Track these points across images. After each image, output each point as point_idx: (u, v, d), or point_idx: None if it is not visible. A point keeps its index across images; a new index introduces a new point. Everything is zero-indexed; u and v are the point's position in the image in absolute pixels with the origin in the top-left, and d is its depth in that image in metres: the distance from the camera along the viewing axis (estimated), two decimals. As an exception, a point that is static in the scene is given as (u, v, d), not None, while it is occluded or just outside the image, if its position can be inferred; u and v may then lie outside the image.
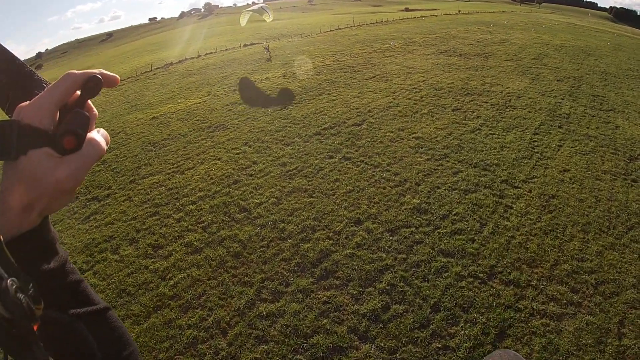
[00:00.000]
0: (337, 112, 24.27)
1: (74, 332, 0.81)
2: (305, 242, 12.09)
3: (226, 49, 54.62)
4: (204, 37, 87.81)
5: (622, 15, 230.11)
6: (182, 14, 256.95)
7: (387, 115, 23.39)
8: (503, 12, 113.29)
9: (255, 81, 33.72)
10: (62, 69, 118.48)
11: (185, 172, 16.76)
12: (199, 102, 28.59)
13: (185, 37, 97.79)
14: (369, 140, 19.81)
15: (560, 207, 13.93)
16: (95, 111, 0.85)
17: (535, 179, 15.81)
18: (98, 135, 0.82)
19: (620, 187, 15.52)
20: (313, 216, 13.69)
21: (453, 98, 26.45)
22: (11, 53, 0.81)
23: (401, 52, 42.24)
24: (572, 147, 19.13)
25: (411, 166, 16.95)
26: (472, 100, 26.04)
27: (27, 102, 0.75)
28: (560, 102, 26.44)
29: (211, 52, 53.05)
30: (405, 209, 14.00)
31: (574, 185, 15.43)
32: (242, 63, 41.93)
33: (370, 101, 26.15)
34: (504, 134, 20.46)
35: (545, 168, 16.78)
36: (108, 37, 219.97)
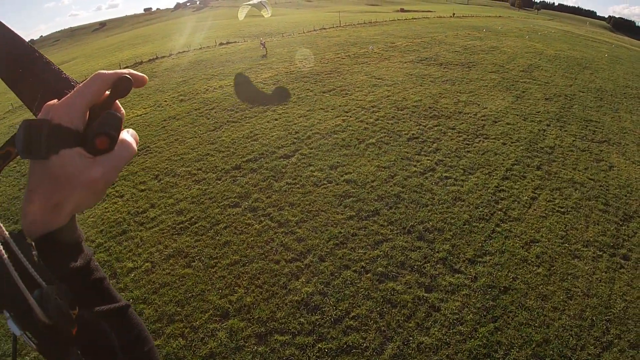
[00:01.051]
0: (272, 137, 19.91)
1: (98, 329, 0.82)
2: (155, 336, 8.97)
3: (200, 48, 49.79)
4: (189, 32, 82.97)
5: (620, 25, 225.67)
6: (178, 5, 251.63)
7: (326, 144, 18.91)
8: (499, 16, 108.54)
9: (208, 89, 29.23)
10: (52, 58, 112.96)
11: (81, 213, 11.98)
12: (140, 115, 25.06)
13: (171, 30, 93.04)
14: (289, 181, 15.42)
15: (510, 313, 9.33)
16: (123, 111, 0.80)
17: (487, 258, 11.14)
18: (128, 135, 0.79)
19: (604, 272, 10.93)
20: (177, 298, 10.16)
21: (414, 121, 21.85)
22: (38, 52, 0.80)
23: (377, 58, 37.50)
24: (549, 201, 14.51)
25: (325, 228, 12.35)
26: (436, 125, 21.47)
27: (56, 101, 0.73)
28: (544, 130, 21.93)
29: (184, 51, 48.67)
30: (289, 302, 9.78)
31: (539, 270, 10.80)
32: (206, 66, 37.87)
33: (316, 123, 21.64)
34: (464, 177, 15.86)
35: (505, 238, 12.10)
36: (101, 26, 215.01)
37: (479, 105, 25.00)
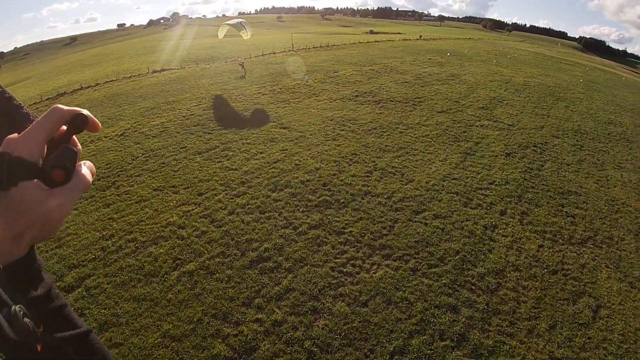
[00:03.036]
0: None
1: (62, 355, 0.80)
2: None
3: (130, 76, 41.12)
4: (148, 51, 74.14)
5: (591, 46, 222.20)
6: (151, 22, 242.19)
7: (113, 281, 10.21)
8: (469, 38, 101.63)
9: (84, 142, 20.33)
10: (16, 74, 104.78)
11: None
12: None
13: (134, 49, 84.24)
14: None
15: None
16: (80, 146, 0.82)
17: None
18: (85, 168, 0.80)
19: None
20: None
21: (285, 218, 13.90)
22: (1, 88, 0.84)
23: (304, 94, 29.20)
24: None
25: None
26: (315, 227, 13.40)
27: (16, 134, 0.74)
28: (494, 226, 14.00)
29: (112, 80, 40.03)
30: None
31: None
32: (119, 103, 29.56)
33: (145, 218, 13.09)
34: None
35: None
36: (72, 41, 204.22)
37: (403, 176, 16.76)
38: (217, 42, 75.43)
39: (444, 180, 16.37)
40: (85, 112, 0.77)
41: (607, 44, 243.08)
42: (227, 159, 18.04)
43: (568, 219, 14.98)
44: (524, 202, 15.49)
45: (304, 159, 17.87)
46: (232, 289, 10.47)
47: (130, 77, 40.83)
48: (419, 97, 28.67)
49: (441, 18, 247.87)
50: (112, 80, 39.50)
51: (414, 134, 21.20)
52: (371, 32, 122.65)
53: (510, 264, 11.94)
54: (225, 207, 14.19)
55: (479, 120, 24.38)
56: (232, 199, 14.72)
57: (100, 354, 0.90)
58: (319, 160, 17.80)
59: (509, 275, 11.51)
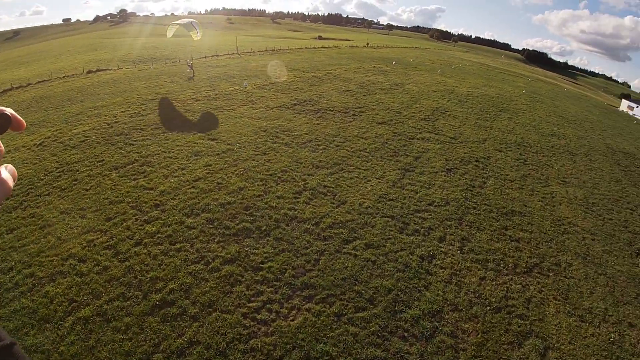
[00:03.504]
0: None
1: None
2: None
3: (63, 76, 37.36)
4: (90, 49, 69.31)
5: (534, 58, 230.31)
6: (97, 18, 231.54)
7: None
8: (416, 47, 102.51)
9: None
10: None
11: None
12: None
13: (75, 46, 78.94)
14: None
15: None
16: (2, 147, 0.79)
17: None
18: (5, 172, 0.74)
19: None
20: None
21: (197, 251, 11.53)
22: None
23: (241, 100, 27.31)
24: None
25: None
26: (229, 261, 11.46)
27: None
28: (431, 255, 12.43)
29: (45, 80, 36.43)
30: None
31: None
32: (46, 107, 27.19)
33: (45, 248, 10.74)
34: None
35: None
36: (15, 34, 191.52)
37: (334, 197, 15.08)
38: (161, 42, 71.96)
39: (379, 202, 14.76)
40: (8, 111, 0.71)
41: (549, 56, 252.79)
42: (145, 176, 15.82)
43: (512, 243, 13.69)
44: (465, 226, 14.09)
45: (227, 177, 15.87)
46: (130, 341, 8.59)
47: (63, 77, 37.42)
48: (360, 107, 27.20)
49: (390, 27, 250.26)
50: (45, 81, 35.99)
51: (351, 148, 19.58)
52: (320, 37, 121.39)
53: (449, 303, 10.40)
54: (132, 235, 12.06)
55: (420, 133, 23.12)
56: (141, 225, 12.58)
57: None
58: (244, 178, 15.84)
59: (447, 316, 9.96)
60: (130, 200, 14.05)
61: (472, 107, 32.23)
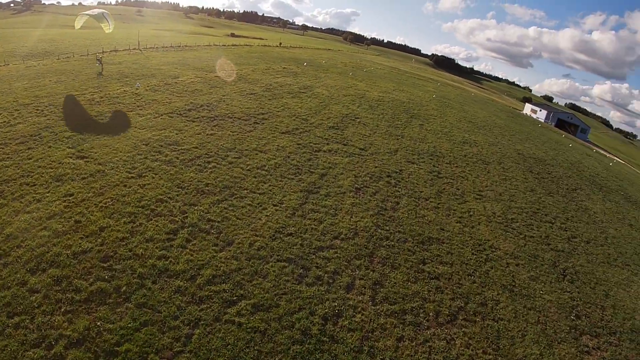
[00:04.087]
0: None
1: None
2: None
3: None
4: None
5: (442, 63, 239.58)
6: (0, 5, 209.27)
7: None
8: (329, 49, 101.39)
9: None
10: None
11: None
12: None
13: None
14: None
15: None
16: None
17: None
18: None
19: None
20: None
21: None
22: None
23: (127, 106, 23.37)
24: None
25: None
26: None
27: None
28: (334, 326, 9.71)
29: None
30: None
31: None
32: None
33: None
34: None
35: None
36: None
37: (219, 235, 12.18)
38: (59, 34, 64.53)
39: (274, 239, 11.99)
40: None
41: (456, 62, 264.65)
42: None
43: (432, 282, 11.55)
44: (377, 264, 11.72)
45: (89, 211, 12.33)
46: None
47: None
48: (263, 113, 24.33)
49: (305, 27, 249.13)
50: None
51: (247, 165, 16.66)
52: (232, 34, 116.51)
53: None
54: None
55: (328, 144, 20.71)
56: None
57: None
58: (108, 212, 12.38)
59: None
60: None
61: (383, 113, 30.53)
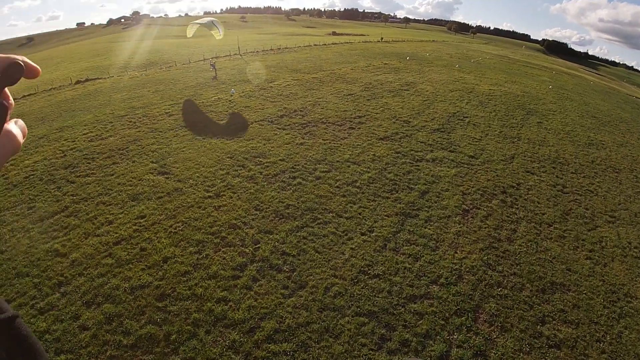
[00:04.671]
0: None
1: None
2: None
3: (50, 89, 33.00)
4: (94, 54, 65.17)
5: (554, 48, 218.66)
6: (111, 21, 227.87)
7: None
8: (433, 41, 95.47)
9: None
10: None
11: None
12: None
13: (80, 53, 74.82)
14: None
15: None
16: (12, 100, 0.69)
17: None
18: (15, 127, 0.67)
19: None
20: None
21: None
22: None
23: (219, 114, 22.43)
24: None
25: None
26: None
27: None
28: None
29: (31, 94, 31.96)
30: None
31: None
32: None
33: None
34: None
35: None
36: (28, 41, 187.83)
37: (291, 275, 10.06)
38: (165, 44, 67.52)
39: (356, 282, 9.60)
40: (20, 59, 0.62)
41: (569, 46, 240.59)
42: (65, 234, 11.34)
43: (550, 353, 8.60)
44: (482, 324, 8.85)
45: (157, 237, 11.08)
46: None
47: (50, 89, 33.00)
48: (360, 116, 21.89)
49: (407, 20, 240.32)
50: (31, 95, 31.60)
51: (336, 181, 14.37)
52: (334, 33, 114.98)
53: None
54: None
55: (432, 151, 17.74)
56: (33, 318, 8.50)
57: (26, 342, 0.77)
58: (176, 239, 10.93)
59: None
60: (36, 272, 9.54)
61: (495, 109, 26.51)
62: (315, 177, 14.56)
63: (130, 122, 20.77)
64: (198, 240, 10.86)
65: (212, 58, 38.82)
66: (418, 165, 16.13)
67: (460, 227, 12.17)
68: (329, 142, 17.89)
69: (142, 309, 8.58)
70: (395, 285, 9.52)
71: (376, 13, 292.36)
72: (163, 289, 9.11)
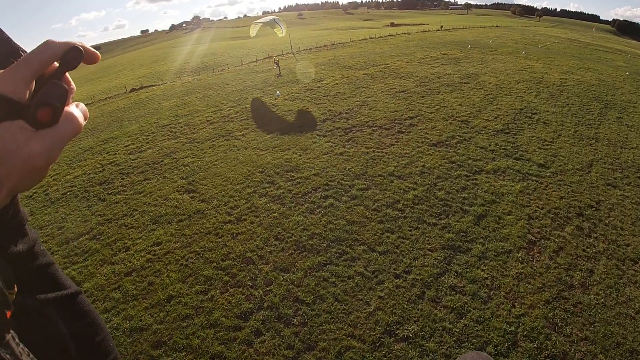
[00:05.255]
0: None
1: (44, 319, 0.69)
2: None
3: (105, 98, 33.00)
4: (153, 61, 66.22)
5: (625, 28, 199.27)
6: (173, 27, 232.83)
7: None
8: (497, 26, 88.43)
9: None
10: None
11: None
12: None
13: (140, 59, 76.60)
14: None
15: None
16: (74, 85, 0.66)
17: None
18: (76, 109, 0.65)
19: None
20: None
21: None
22: None
23: (261, 119, 20.16)
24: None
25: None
26: None
27: (1, 70, 0.61)
28: None
29: (88, 103, 32.04)
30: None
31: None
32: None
33: None
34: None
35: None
36: (95, 50, 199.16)
37: (299, 334, 7.53)
38: (220, 46, 66.91)
39: (378, 347, 7.18)
40: (80, 44, 0.60)
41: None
42: (83, 260, 10.49)
43: None
44: None
45: (167, 270, 9.46)
46: None
47: (105, 99, 32.77)
48: (412, 117, 19.01)
49: (468, 6, 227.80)
50: (87, 104, 31.33)
51: (375, 202, 11.78)
52: (392, 24, 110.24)
53: None
54: None
55: (493, 159, 14.60)
56: None
57: (89, 317, 0.78)
58: (185, 274, 9.27)
59: None
60: None
61: (568, 103, 22.54)
62: (351, 196, 12.04)
63: (171, 132, 19.28)
64: (207, 277, 8.85)
65: (276, 56, 37.65)
66: (476, 179, 13.14)
67: (522, 268, 9.18)
68: (373, 151, 15.26)
69: (137, 355, 6.83)
70: (428, 355, 6.88)
71: (436, 1, 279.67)
72: (160, 335, 7.27)
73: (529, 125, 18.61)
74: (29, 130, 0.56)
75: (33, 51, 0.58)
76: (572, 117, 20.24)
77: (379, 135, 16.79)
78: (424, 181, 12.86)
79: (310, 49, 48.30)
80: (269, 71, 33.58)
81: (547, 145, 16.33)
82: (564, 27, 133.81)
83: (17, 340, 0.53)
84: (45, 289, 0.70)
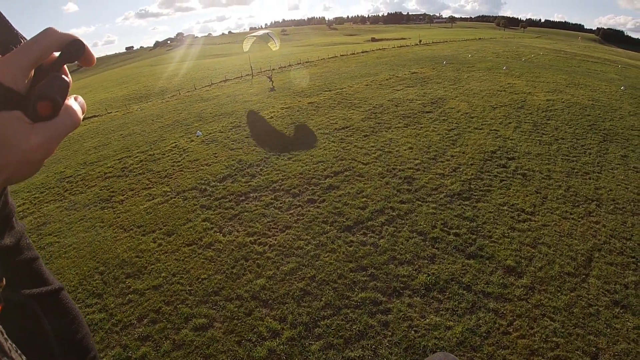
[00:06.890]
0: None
1: (28, 314, 0.67)
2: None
3: (92, 116, 26.99)
4: (124, 81, 60.69)
5: (610, 37, 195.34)
6: (157, 44, 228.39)
7: None
8: (479, 39, 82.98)
9: None
10: None
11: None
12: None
13: (113, 79, 71.19)
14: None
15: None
16: (70, 78, 0.63)
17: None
18: (75, 103, 0.63)
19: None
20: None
21: None
22: None
23: (175, 167, 13.99)
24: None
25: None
26: None
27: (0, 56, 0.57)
28: None
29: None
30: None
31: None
32: None
33: None
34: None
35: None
36: (78, 67, 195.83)
37: None
38: (196, 65, 61.66)
39: None
40: (81, 39, 0.58)
41: (625, 34, 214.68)
42: None
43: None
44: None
45: None
46: None
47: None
48: (336, 173, 13.05)
49: (452, 19, 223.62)
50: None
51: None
52: (372, 39, 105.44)
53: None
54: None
55: (432, 261, 8.56)
56: None
57: (71, 314, 0.76)
58: None
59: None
60: None
61: (557, 138, 16.71)
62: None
63: (64, 189, 13.65)
64: None
65: (268, 71, 37.54)
66: (388, 311, 7.07)
67: None
68: (252, 243, 9.19)
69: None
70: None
71: (421, 14, 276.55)
72: None
73: (502, 180, 12.65)
74: (26, 122, 0.53)
75: (34, 38, 0.55)
76: (563, 162, 14.32)
77: (277, 208, 10.82)
78: (298, 319, 6.73)
79: (273, 69, 42.63)
80: (213, 99, 27.86)
81: (525, 221, 10.28)
82: (548, 37, 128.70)
83: (5, 335, 0.52)
84: (30, 284, 0.67)
